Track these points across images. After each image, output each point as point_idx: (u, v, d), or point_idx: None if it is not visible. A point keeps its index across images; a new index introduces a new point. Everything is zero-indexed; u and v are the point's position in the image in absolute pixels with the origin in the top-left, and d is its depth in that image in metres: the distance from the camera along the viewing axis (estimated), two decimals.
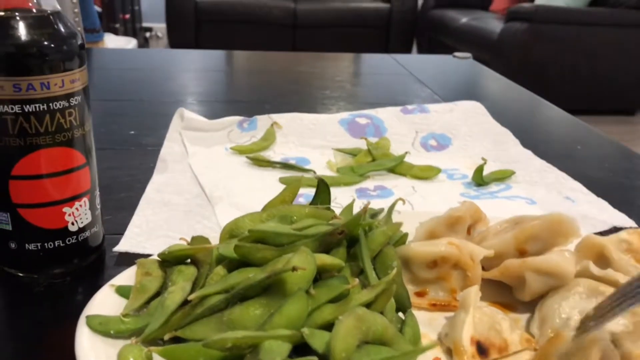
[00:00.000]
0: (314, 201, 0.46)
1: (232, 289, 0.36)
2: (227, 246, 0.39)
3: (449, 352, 0.39)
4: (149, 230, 0.54)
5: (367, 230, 0.42)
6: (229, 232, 0.43)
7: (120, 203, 0.60)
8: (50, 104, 0.42)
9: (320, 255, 0.37)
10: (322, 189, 0.45)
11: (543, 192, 0.66)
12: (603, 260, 0.43)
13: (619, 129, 3.65)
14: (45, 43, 0.41)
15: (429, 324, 0.42)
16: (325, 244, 0.39)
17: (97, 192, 0.49)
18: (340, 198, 0.62)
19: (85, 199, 0.47)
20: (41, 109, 0.42)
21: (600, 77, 3.70)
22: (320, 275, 0.38)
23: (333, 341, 0.30)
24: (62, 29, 0.43)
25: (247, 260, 0.38)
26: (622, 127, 3.71)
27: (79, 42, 0.44)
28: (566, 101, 3.49)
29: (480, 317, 0.40)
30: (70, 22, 0.45)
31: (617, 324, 0.38)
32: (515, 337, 0.40)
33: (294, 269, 0.33)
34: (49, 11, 0.42)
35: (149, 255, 0.48)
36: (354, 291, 0.37)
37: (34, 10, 0.42)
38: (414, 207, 0.61)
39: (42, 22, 0.42)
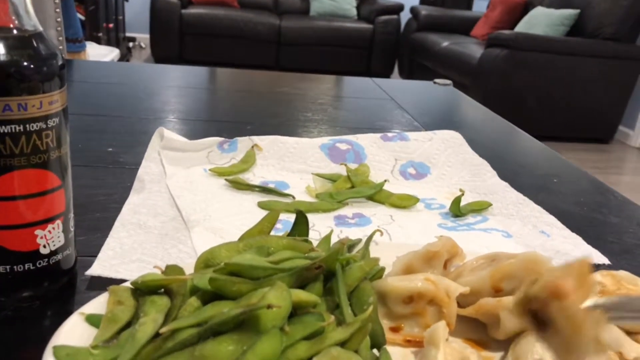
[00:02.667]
0: (292, 232, 0.46)
1: (205, 323, 0.35)
2: (201, 277, 0.39)
3: None
4: (123, 254, 0.53)
5: (345, 264, 0.42)
6: (204, 262, 0.42)
7: (95, 223, 0.59)
8: (27, 126, 0.42)
9: (296, 291, 0.37)
10: (300, 220, 0.45)
11: (519, 225, 0.67)
12: None
13: (592, 156, 3.72)
14: (25, 64, 0.41)
15: None
16: (301, 278, 0.39)
17: (72, 215, 0.48)
18: (319, 225, 0.62)
19: (58, 222, 0.46)
20: (17, 130, 0.41)
21: (575, 106, 3.78)
22: (296, 311, 0.37)
23: None
24: (43, 50, 0.42)
25: (222, 293, 0.38)
26: (596, 154, 3.78)
27: (60, 62, 0.43)
28: (542, 128, 3.56)
29: (450, 353, 0.40)
30: (51, 41, 0.44)
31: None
32: None
33: (269, 306, 0.33)
34: (30, 31, 0.42)
35: (122, 280, 0.47)
36: (329, 328, 0.36)
37: (15, 30, 0.41)
38: (392, 237, 0.61)
39: (22, 42, 0.41)
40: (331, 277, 0.41)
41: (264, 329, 0.34)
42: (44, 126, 0.43)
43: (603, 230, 0.70)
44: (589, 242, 0.64)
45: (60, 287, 0.48)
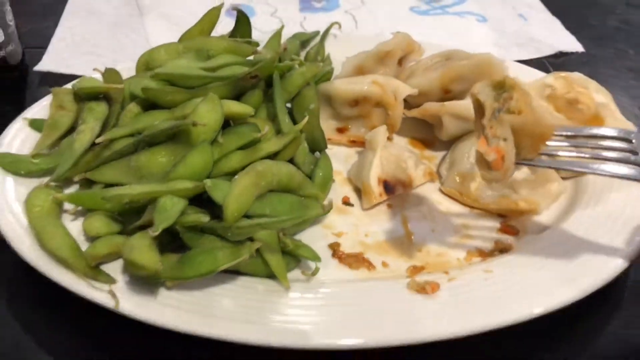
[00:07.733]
0: (234, 33, 0.43)
1: (139, 133, 0.36)
2: (137, 84, 0.38)
3: (357, 190, 0.41)
4: (74, 45, 0.52)
5: (287, 71, 0.40)
6: (145, 65, 0.41)
7: (43, 10, 0.56)
8: None
9: (228, 102, 0.36)
10: (242, 20, 0.42)
11: (497, 7, 0.63)
12: None
13: None
14: None
15: (345, 160, 0.43)
16: (239, 87, 0.38)
17: (8, 7, 0.46)
18: (282, 10, 0.59)
19: None
20: None
21: None
22: (233, 122, 0.38)
23: (226, 201, 0.31)
24: None
25: (156, 103, 0.37)
26: None
27: None
28: None
29: (387, 157, 0.40)
30: None
31: (521, 172, 0.40)
32: (419, 172, 0.41)
33: (193, 124, 0.33)
34: None
35: (74, 76, 0.47)
36: (265, 137, 0.37)
37: None
38: (358, 25, 0.58)
39: None
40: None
41: (195, 142, 0.34)
42: None
43: (588, 12, 0.66)
44: (568, 27, 0.61)
45: (11, 83, 0.48)
